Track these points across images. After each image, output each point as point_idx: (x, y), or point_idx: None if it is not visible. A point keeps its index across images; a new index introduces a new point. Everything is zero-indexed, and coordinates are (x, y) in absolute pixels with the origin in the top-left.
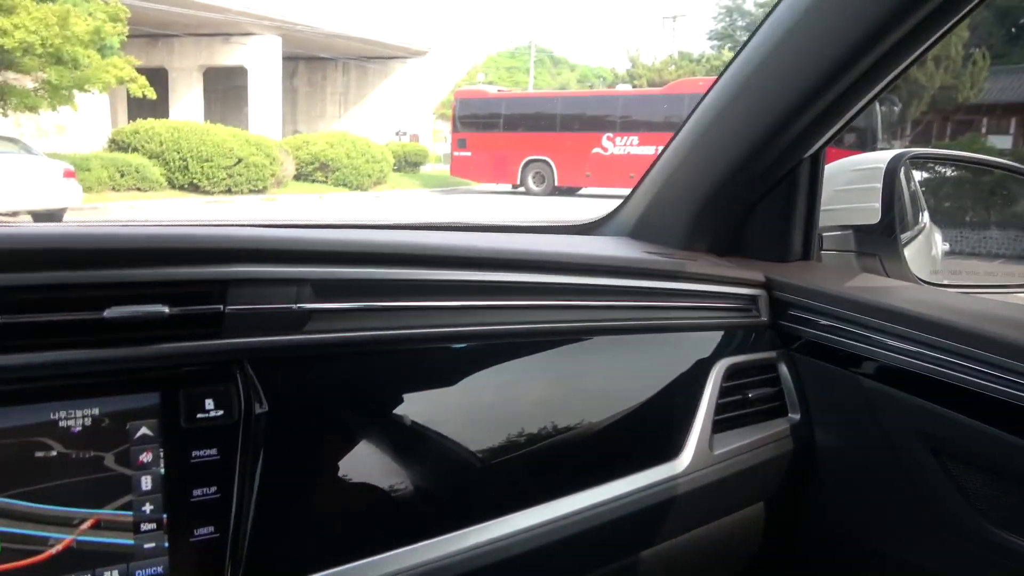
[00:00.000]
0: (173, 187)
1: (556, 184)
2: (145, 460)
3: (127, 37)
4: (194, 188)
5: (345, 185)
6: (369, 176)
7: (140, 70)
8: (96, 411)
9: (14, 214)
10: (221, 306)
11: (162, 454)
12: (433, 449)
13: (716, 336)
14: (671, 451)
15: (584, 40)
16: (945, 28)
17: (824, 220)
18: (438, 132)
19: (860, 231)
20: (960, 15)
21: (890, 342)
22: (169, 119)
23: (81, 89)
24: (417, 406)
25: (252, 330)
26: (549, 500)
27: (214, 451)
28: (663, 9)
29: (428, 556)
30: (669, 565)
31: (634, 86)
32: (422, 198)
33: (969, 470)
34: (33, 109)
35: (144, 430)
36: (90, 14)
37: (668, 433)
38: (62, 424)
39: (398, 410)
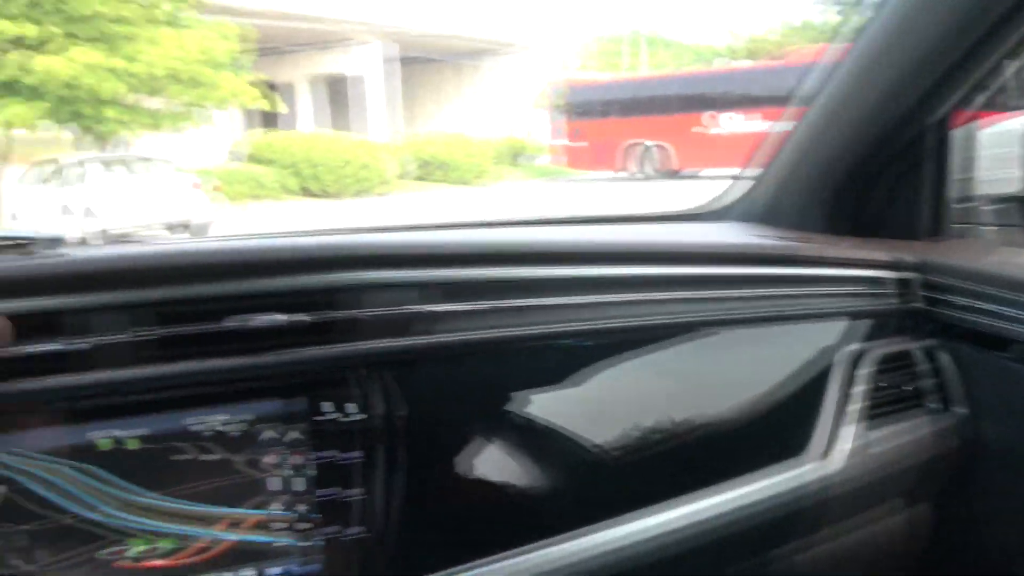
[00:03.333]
0: (307, 194)
1: (675, 168)
2: (296, 462)
3: (257, 56)
4: (326, 194)
5: (460, 182)
6: (482, 172)
7: (269, 85)
8: (251, 416)
9: (151, 227)
10: (344, 312)
11: (311, 457)
12: (556, 447)
13: (851, 324)
14: (804, 449)
15: (690, 17)
16: None
17: (961, 191)
18: (549, 123)
19: (1004, 201)
20: None
21: None
22: (297, 130)
23: (219, 107)
24: (539, 404)
25: (380, 334)
26: (672, 501)
27: (359, 453)
28: None
29: (555, 554)
30: (805, 572)
31: (837, 61)
32: (533, 189)
33: None
34: (179, 129)
35: (294, 434)
36: (224, 38)
37: (800, 429)
38: (221, 429)
39: (520, 409)
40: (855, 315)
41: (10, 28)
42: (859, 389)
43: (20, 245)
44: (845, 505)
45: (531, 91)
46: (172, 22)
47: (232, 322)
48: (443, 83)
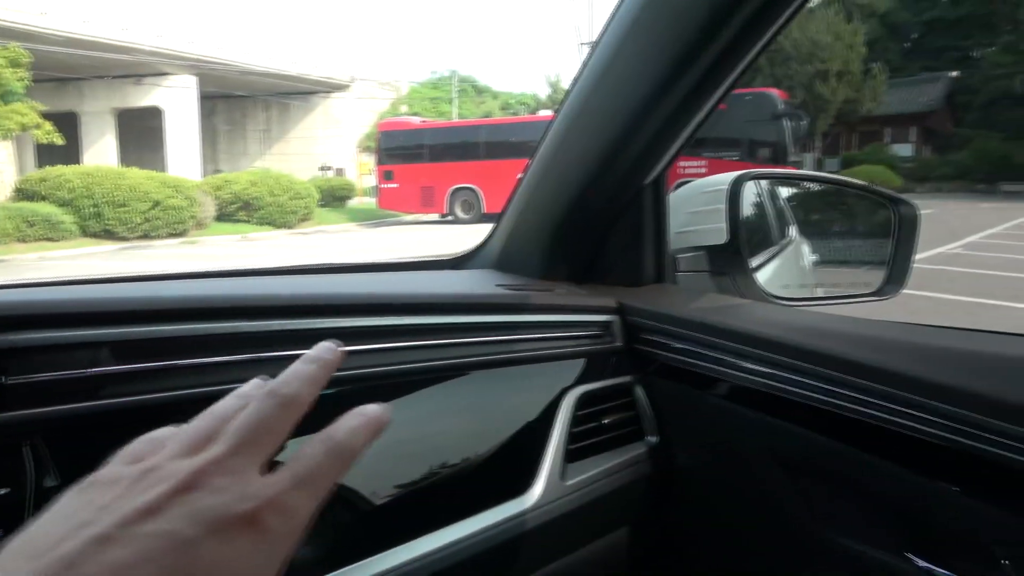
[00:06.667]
0: (86, 235)
1: (484, 211)
2: None
3: (32, 82)
4: (108, 235)
5: (270, 223)
6: (294, 213)
7: (48, 115)
8: None
9: None
10: (2, 378)
11: None
12: None
13: (572, 364)
14: (522, 485)
15: (506, 68)
16: (763, 40)
17: (679, 242)
18: (364, 165)
19: (712, 251)
20: (775, 28)
21: (735, 361)
22: (81, 164)
23: (3, 137)
24: None
25: (40, 400)
26: (398, 544)
27: None
28: (580, 36)
29: None
30: None
31: (556, 111)
32: (349, 232)
33: (815, 482)
34: None
35: None
36: (14, 64)
37: (519, 467)
38: None
39: None
40: (563, 357)
41: None
42: (561, 428)
43: None
44: (550, 540)
45: (352, 132)
46: None
47: None
48: (268, 122)
